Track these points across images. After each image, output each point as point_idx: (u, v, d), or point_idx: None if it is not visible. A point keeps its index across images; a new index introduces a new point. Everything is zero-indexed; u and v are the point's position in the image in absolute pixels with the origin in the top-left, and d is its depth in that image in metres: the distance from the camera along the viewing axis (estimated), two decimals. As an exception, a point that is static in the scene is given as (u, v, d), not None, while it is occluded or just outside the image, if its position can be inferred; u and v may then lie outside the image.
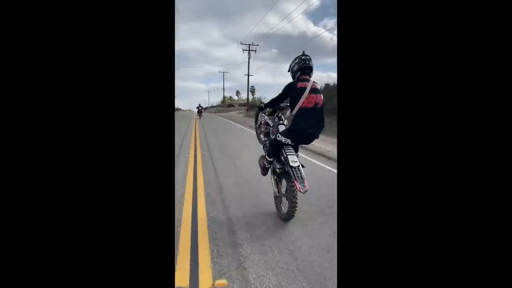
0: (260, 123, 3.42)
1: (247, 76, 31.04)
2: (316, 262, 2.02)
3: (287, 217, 2.64)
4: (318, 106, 2.45)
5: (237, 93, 76.80)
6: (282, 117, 3.02)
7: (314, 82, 2.46)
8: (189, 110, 78.29)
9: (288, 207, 2.58)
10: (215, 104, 72.09)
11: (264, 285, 1.76)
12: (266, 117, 3.18)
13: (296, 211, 2.57)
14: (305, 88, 2.40)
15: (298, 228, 2.58)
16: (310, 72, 2.53)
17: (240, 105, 51.44)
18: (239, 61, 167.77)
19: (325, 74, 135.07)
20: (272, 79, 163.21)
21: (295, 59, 2.57)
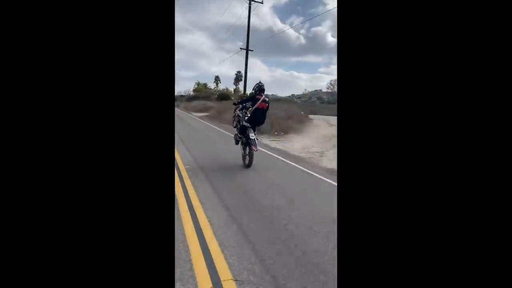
0: (236, 114, 5.88)
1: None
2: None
3: (248, 166, 5.18)
4: (264, 109, 5.02)
5: (216, 79, 60.29)
6: (247, 112, 5.50)
7: (264, 96, 5.01)
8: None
9: (248, 161, 5.13)
10: (183, 93, 54.87)
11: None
12: (238, 111, 5.65)
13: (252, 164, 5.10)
14: (259, 99, 4.98)
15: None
16: (262, 92, 5.13)
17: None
18: (203, 49, 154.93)
19: (287, 73, 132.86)
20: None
21: (256, 85, 5.17)
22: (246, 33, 19.94)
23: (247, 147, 5.19)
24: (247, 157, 5.23)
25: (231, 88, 53.47)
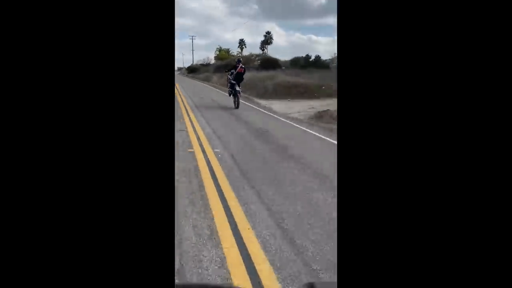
0: (227, 77, 9.17)
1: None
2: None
3: (236, 108, 8.52)
4: (242, 72, 8.55)
5: (241, 43, 52.40)
6: (233, 74, 8.79)
7: (241, 64, 8.58)
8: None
9: (237, 104, 8.59)
10: (203, 61, 46.21)
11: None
12: (228, 75, 8.99)
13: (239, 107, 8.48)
14: (238, 66, 8.53)
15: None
16: (240, 62, 8.66)
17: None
18: (215, 14, 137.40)
19: (305, 37, 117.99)
20: (252, 39, 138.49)
21: (237, 58, 8.74)
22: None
23: (235, 97, 8.58)
24: (236, 102, 8.59)
25: (256, 53, 42.53)
